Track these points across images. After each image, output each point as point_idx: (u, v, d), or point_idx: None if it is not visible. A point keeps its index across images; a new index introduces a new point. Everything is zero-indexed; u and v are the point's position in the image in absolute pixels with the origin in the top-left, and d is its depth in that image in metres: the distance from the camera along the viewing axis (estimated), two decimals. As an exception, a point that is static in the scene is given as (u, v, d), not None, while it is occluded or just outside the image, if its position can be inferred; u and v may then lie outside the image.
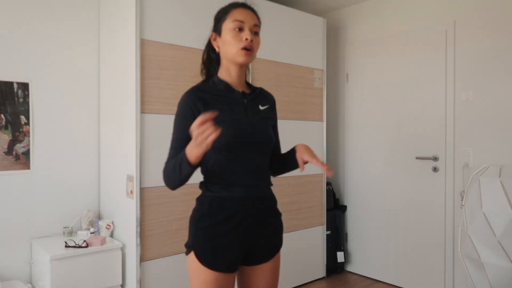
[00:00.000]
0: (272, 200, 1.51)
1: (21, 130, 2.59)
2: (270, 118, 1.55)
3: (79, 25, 2.82)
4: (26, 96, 2.61)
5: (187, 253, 1.42)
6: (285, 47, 3.26)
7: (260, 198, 1.44)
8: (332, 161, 3.94)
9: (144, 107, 2.47)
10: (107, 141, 2.80)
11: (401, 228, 3.39)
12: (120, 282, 2.54)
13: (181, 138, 1.38)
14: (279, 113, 2.83)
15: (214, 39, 1.46)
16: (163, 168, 1.39)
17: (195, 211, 1.43)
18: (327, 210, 3.63)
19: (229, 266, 1.38)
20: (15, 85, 2.57)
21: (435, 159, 3.16)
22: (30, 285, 2.52)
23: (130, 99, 2.47)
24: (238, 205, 1.39)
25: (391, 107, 3.46)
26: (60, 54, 2.75)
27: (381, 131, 3.53)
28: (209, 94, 1.41)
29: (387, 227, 3.49)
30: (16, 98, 2.57)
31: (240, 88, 1.48)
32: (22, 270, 2.60)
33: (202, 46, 1.57)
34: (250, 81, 2.45)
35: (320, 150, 3.54)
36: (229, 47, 1.40)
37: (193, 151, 1.21)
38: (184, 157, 1.25)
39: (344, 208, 3.80)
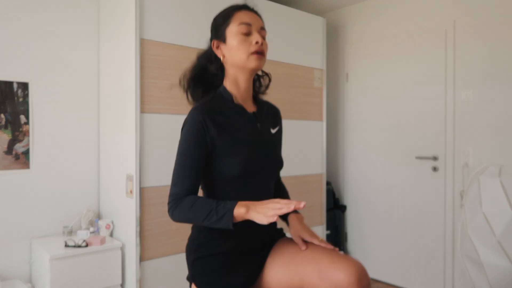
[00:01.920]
0: (276, 227, 1.43)
1: (21, 129, 2.59)
2: (280, 140, 1.48)
3: (79, 25, 2.82)
4: (26, 95, 2.61)
5: (190, 286, 1.30)
6: (285, 46, 3.26)
7: (267, 226, 1.33)
8: (332, 160, 3.94)
9: (143, 107, 2.47)
10: (107, 141, 2.80)
11: (401, 227, 3.39)
12: (120, 282, 2.54)
13: (194, 166, 1.23)
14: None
15: (217, 47, 1.34)
16: (178, 200, 1.21)
17: (192, 240, 1.33)
18: (327, 209, 3.63)
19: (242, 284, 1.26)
20: (15, 85, 2.57)
21: (435, 158, 3.16)
22: (30, 285, 2.53)
23: (130, 98, 2.47)
24: (242, 234, 1.27)
25: (391, 106, 3.46)
26: (60, 54, 2.75)
27: (381, 131, 3.53)
28: (221, 116, 1.28)
29: (386, 226, 3.49)
30: (16, 98, 2.57)
31: (248, 102, 1.38)
32: (22, 270, 2.60)
33: (202, 45, 1.53)
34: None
35: (320, 150, 3.54)
36: (238, 53, 1.28)
37: (250, 215, 1.10)
38: (230, 215, 1.12)
39: (343, 208, 3.80)
